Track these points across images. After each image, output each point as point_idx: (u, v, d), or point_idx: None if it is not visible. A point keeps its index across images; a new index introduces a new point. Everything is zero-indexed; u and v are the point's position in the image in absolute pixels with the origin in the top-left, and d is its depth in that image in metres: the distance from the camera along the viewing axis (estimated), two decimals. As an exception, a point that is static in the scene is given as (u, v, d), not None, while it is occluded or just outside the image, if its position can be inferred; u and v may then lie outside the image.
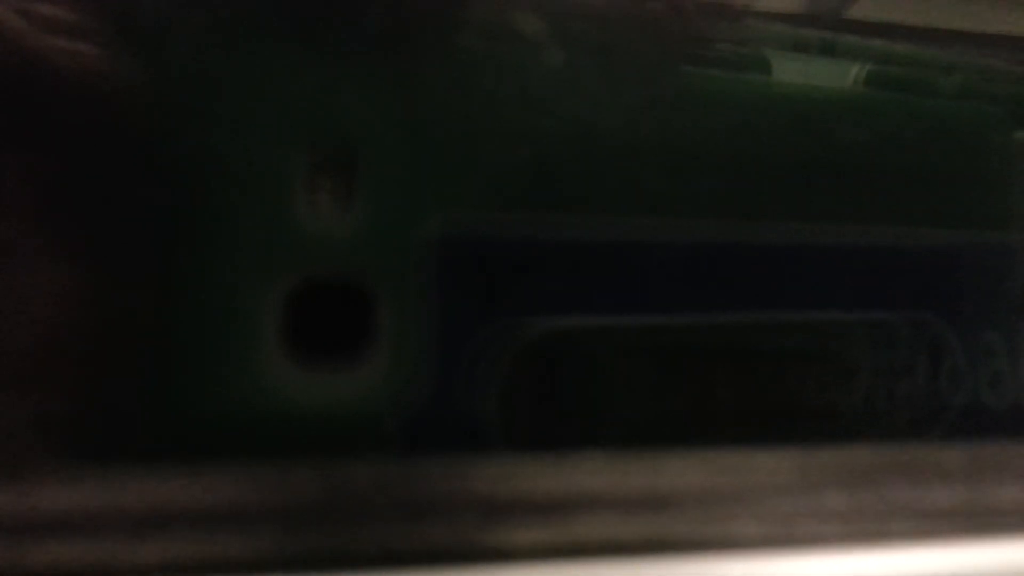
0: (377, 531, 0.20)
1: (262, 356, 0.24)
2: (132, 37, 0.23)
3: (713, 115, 0.29)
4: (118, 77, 0.23)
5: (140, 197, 0.24)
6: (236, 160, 0.24)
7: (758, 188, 0.30)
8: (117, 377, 0.24)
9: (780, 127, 0.30)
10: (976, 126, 0.33)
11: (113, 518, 0.19)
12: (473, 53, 0.26)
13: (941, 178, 0.32)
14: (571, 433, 0.28)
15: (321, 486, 0.21)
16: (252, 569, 0.19)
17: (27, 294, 0.23)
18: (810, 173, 0.31)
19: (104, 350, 0.23)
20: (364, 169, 0.25)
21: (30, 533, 0.19)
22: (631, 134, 0.28)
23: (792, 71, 0.32)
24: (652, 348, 0.29)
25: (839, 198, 0.31)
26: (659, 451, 0.22)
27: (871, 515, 0.21)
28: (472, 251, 0.26)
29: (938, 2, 0.38)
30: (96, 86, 0.23)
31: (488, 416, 0.27)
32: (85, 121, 0.23)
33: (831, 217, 0.31)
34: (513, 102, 0.26)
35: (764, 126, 0.30)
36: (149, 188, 0.24)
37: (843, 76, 0.33)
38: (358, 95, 0.25)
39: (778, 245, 0.30)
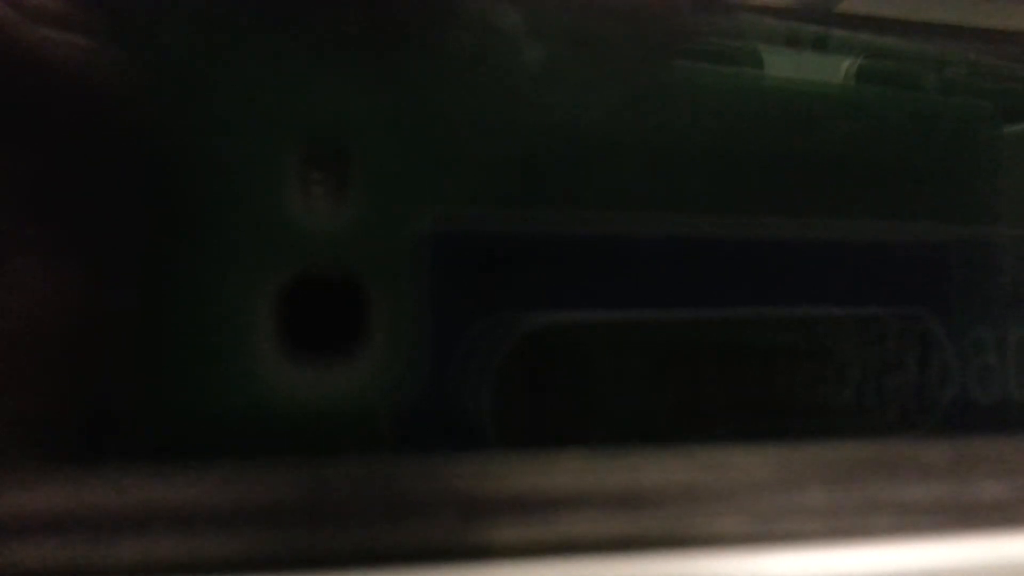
0: (360, 530, 0.20)
1: (252, 353, 0.24)
2: (123, 32, 0.23)
3: (703, 110, 0.29)
4: (109, 73, 0.23)
5: (132, 194, 0.24)
6: (228, 156, 0.24)
7: (748, 183, 0.30)
8: (102, 376, 0.24)
9: (769, 122, 0.30)
10: (966, 121, 0.33)
11: (94, 517, 0.19)
12: (463, 47, 0.26)
13: (931, 173, 0.32)
14: (561, 428, 0.28)
15: (304, 484, 0.21)
16: (234, 568, 0.19)
17: (13, 292, 0.23)
18: (799, 168, 0.30)
19: (89, 349, 0.23)
20: (357, 164, 0.25)
21: (9, 533, 0.19)
22: (621, 129, 0.28)
23: (783, 65, 0.32)
24: (642, 344, 0.29)
25: (829, 193, 0.31)
26: (642, 448, 0.22)
27: (853, 511, 0.21)
28: (464, 247, 0.26)
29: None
30: (87, 82, 0.23)
31: (480, 412, 0.27)
32: (76, 117, 0.23)
33: (821, 212, 0.31)
34: (504, 97, 0.26)
35: (753, 121, 0.30)
36: (142, 185, 0.24)
37: (834, 70, 0.33)
38: (350, 90, 0.25)
39: (767, 240, 0.30)
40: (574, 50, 0.27)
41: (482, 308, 0.27)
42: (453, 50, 0.26)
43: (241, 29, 0.24)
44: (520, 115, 0.27)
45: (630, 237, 0.28)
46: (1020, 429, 0.31)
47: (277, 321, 0.24)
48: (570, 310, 0.28)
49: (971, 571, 0.21)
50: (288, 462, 0.21)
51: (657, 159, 0.28)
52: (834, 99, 0.33)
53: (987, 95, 0.33)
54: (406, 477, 0.21)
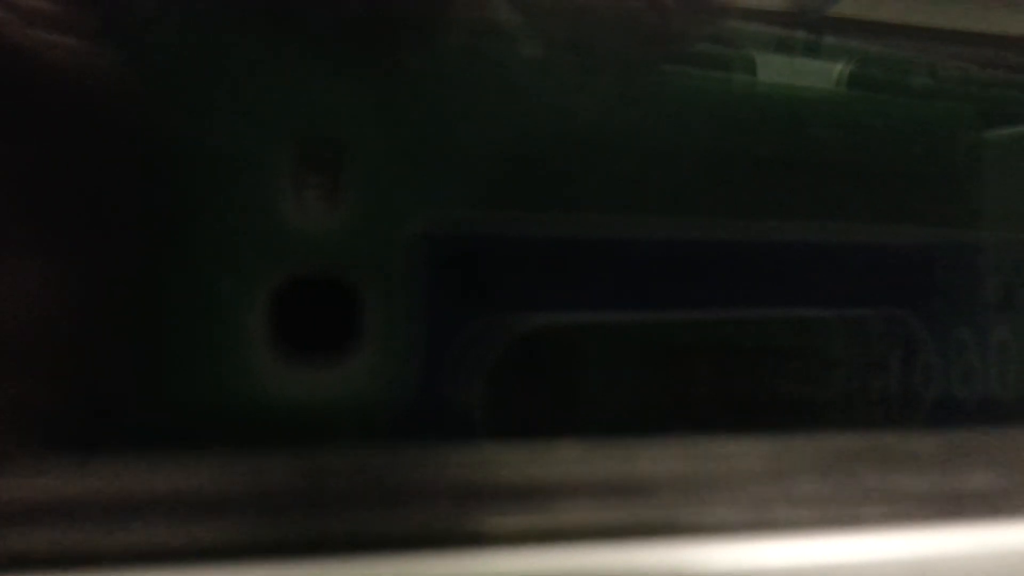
0: (358, 518, 0.20)
1: (249, 349, 0.24)
2: (119, 32, 0.23)
3: (694, 114, 0.29)
4: (105, 72, 0.23)
5: (128, 194, 0.24)
6: (225, 157, 0.24)
7: (738, 187, 0.30)
8: (101, 368, 0.24)
9: (759, 125, 0.31)
10: (952, 125, 0.33)
11: (93, 505, 0.20)
12: (458, 50, 0.26)
13: (917, 177, 0.32)
14: (553, 426, 0.28)
15: (302, 474, 0.21)
16: (232, 556, 0.19)
17: (8, 286, 0.23)
18: (788, 172, 0.31)
19: (89, 342, 0.23)
20: (351, 166, 0.25)
21: (8, 520, 0.19)
22: (614, 132, 0.28)
23: (775, 70, 0.33)
24: (636, 345, 0.29)
25: (819, 197, 0.31)
26: (637, 438, 0.22)
27: (845, 500, 0.22)
28: (458, 248, 0.27)
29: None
30: (83, 82, 0.23)
31: (474, 410, 0.27)
32: (73, 117, 0.23)
33: (811, 216, 0.31)
34: (498, 100, 0.27)
35: (744, 124, 0.30)
36: (138, 185, 0.24)
37: (826, 75, 0.33)
38: (345, 92, 0.25)
39: (757, 243, 0.30)
40: (566, 54, 0.27)
41: (477, 307, 0.27)
42: (444, 53, 0.26)
43: (235, 31, 0.24)
44: (511, 118, 0.27)
45: (622, 240, 0.29)
46: (1001, 422, 0.31)
47: (278, 319, 0.24)
48: (565, 310, 0.28)
49: (959, 559, 0.21)
50: (283, 453, 0.21)
51: (649, 163, 0.29)
52: (823, 103, 0.33)
53: (974, 100, 0.34)
54: (403, 467, 0.21)
